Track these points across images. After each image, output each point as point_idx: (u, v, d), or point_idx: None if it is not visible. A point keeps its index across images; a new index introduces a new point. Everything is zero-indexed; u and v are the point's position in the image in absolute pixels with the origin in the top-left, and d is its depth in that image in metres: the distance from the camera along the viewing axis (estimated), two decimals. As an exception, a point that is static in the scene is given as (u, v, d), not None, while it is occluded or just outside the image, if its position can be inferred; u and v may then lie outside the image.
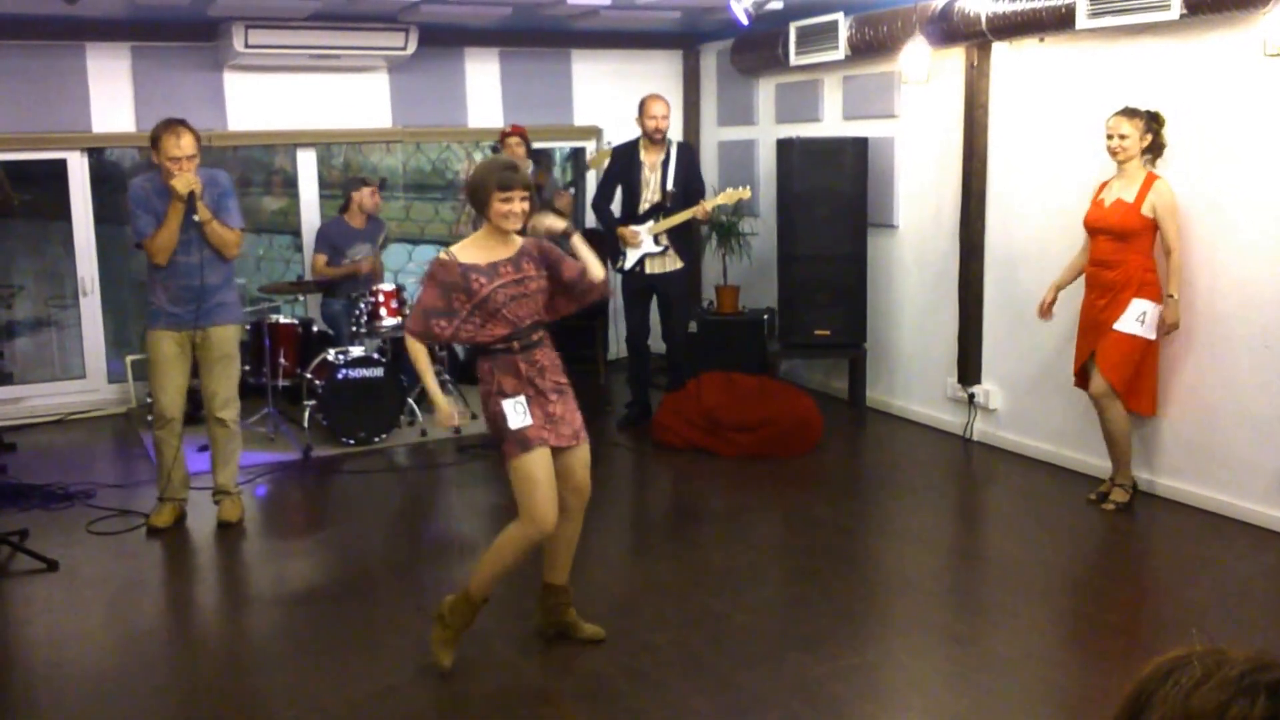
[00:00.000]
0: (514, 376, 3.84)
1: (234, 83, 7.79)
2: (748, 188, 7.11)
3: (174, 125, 5.16)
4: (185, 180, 5.10)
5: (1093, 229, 5.34)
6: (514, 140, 7.65)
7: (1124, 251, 5.22)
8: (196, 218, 5.16)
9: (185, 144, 5.13)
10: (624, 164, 7.10)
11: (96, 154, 7.88)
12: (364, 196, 7.57)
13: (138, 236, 5.28)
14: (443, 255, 3.86)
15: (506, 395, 3.83)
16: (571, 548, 4.16)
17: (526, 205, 3.81)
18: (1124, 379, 5.27)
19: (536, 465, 3.81)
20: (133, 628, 4.48)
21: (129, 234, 5.48)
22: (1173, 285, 5.19)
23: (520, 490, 3.85)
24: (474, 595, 3.94)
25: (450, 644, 3.94)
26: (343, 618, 4.48)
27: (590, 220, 8.15)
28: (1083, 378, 5.54)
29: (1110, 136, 5.22)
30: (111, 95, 7.47)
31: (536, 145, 9.10)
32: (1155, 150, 5.25)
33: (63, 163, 7.57)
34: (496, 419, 3.85)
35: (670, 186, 6.96)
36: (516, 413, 3.82)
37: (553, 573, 4.16)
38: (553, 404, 3.91)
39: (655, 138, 6.95)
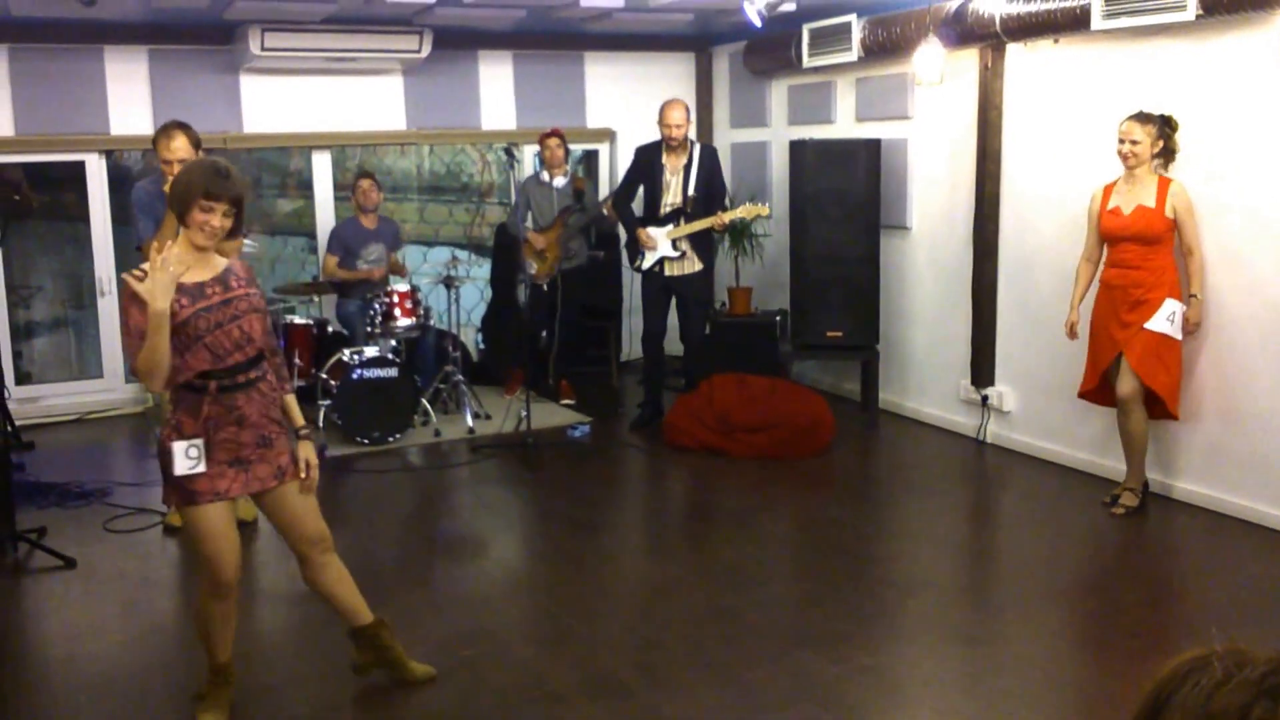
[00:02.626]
0: (193, 418, 3.36)
1: (250, 85, 7.84)
2: (768, 206, 7.11)
3: (169, 128, 5.13)
4: None
5: (1117, 238, 5.27)
6: (554, 142, 7.66)
7: (1151, 254, 5.19)
8: None
9: (176, 146, 5.06)
10: (645, 164, 7.09)
11: (114, 156, 7.94)
12: (358, 192, 7.55)
13: (138, 240, 5.30)
14: (136, 273, 3.27)
15: (182, 435, 3.36)
16: (348, 589, 3.78)
17: (229, 222, 3.35)
18: (1158, 379, 5.24)
19: (208, 519, 3.41)
20: (148, 624, 4.51)
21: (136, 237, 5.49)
22: (1195, 285, 5.17)
23: (193, 543, 3.52)
24: (212, 662, 3.65)
25: (219, 709, 3.65)
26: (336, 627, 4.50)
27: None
28: (1098, 387, 5.51)
29: (1122, 141, 5.19)
30: (129, 98, 7.52)
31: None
32: (1167, 155, 5.23)
33: (81, 164, 7.63)
34: (162, 456, 3.40)
35: (692, 192, 6.93)
36: (187, 457, 3.35)
37: (350, 618, 3.81)
38: (248, 450, 3.44)
39: (672, 144, 6.95)
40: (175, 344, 3.29)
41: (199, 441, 3.36)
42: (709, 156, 7.10)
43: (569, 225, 7.54)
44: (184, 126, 5.18)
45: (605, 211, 7.65)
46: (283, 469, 3.54)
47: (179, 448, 3.36)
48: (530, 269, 7.62)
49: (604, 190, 8.69)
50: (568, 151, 7.79)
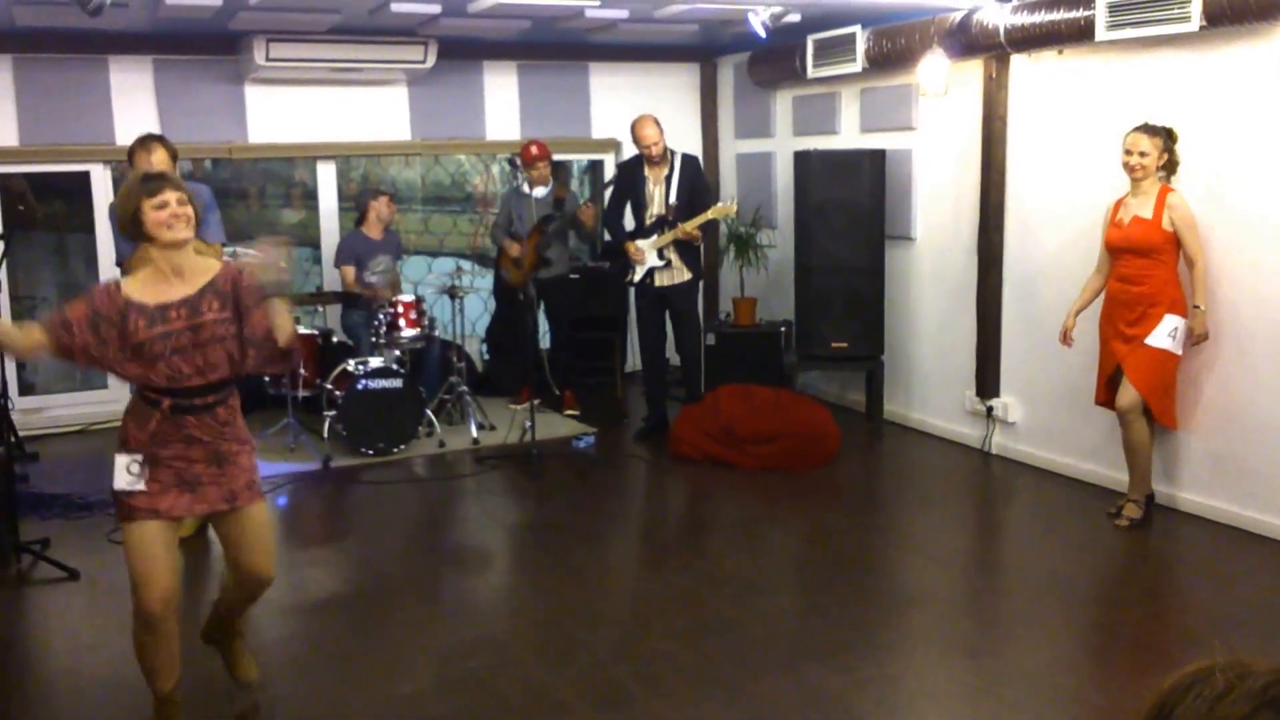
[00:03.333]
0: (143, 431, 3.29)
1: (255, 96, 7.85)
2: (733, 202, 7.13)
3: (148, 141, 5.10)
4: None
5: (1116, 249, 5.28)
6: (543, 164, 7.63)
7: (1150, 268, 5.19)
8: None
9: (156, 160, 5.03)
10: (628, 179, 7.16)
11: (119, 166, 7.94)
12: (381, 206, 7.61)
13: (119, 257, 5.28)
14: (112, 283, 3.30)
15: (127, 449, 3.29)
16: (232, 615, 3.74)
17: (189, 209, 3.26)
18: (1156, 394, 5.23)
19: (139, 537, 3.27)
20: (152, 636, 4.50)
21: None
22: (1199, 296, 5.15)
23: (127, 562, 3.34)
24: (156, 692, 3.49)
25: None
26: (361, 627, 4.49)
27: (606, 234, 8.18)
28: (1107, 395, 5.50)
29: (1129, 153, 5.17)
30: (134, 108, 7.52)
31: (555, 158, 9.15)
32: (1170, 168, 5.22)
33: (86, 175, 7.64)
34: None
35: (673, 200, 6.98)
36: (128, 473, 3.25)
37: (210, 624, 3.81)
38: (198, 468, 3.33)
39: (653, 161, 6.97)
40: (134, 357, 3.22)
41: (140, 457, 3.26)
42: (690, 165, 7.13)
43: (546, 234, 7.56)
44: (162, 139, 5.15)
45: (579, 217, 7.61)
46: (235, 493, 3.38)
47: (121, 461, 3.26)
48: (506, 276, 7.75)
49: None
50: (552, 166, 7.80)
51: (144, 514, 3.27)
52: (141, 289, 3.26)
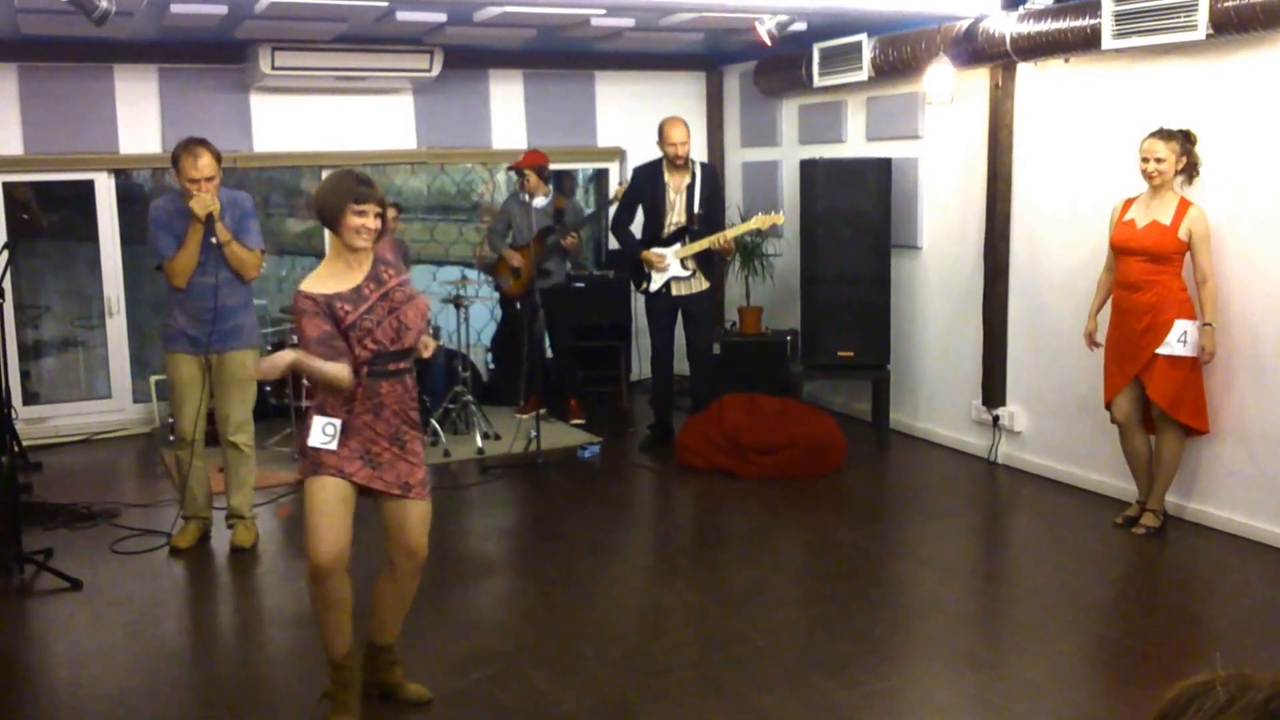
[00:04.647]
0: (339, 398, 3.53)
1: (260, 104, 7.86)
2: (781, 213, 7.05)
3: (192, 145, 5.12)
4: (202, 202, 5.07)
5: (1124, 250, 5.26)
6: (532, 174, 7.61)
7: (1156, 274, 5.16)
8: (214, 240, 5.16)
9: (203, 164, 5.08)
10: (647, 185, 7.05)
11: (123, 175, 7.95)
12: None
13: (158, 258, 5.30)
14: (302, 288, 3.54)
15: (323, 413, 3.54)
16: (399, 610, 3.84)
17: (379, 223, 3.53)
18: (1177, 404, 5.20)
19: (324, 491, 3.52)
20: (154, 647, 4.48)
21: (151, 255, 5.49)
22: (1208, 314, 5.12)
23: (305, 516, 3.57)
24: (331, 657, 3.68)
25: (348, 712, 3.68)
26: (363, 637, 4.46)
27: (612, 242, 8.15)
28: (1119, 406, 5.46)
29: (1146, 160, 5.13)
30: (139, 117, 7.54)
31: (559, 167, 9.15)
32: (1190, 171, 5.20)
33: (90, 184, 7.64)
34: (304, 430, 3.59)
35: (697, 209, 6.93)
36: (323, 433, 3.52)
37: (378, 632, 3.86)
38: (381, 445, 3.60)
39: (677, 163, 6.93)
40: (349, 339, 3.48)
41: (337, 421, 3.52)
42: (710, 175, 7.09)
43: (546, 245, 7.54)
44: (205, 142, 5.16)
45: (564, 245, 7.53)
46: (410, 485, 3.67)
47: (318, 421, 3.53)
48: (503, 286, 7.80)
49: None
50: (547, 175, 7.73)
51: (330, 470, 3.53)
52: (330, 284, 3.52)
